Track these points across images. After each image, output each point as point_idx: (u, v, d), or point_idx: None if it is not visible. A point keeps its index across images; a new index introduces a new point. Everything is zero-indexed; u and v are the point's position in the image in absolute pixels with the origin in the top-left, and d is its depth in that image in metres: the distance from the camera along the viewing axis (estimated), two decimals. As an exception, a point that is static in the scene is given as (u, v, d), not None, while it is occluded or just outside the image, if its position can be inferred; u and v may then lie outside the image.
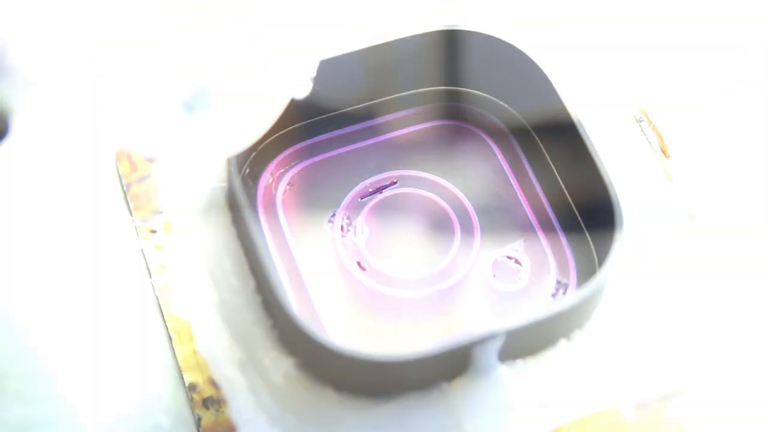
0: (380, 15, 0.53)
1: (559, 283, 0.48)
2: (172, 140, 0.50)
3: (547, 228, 0.49)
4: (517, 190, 0.50)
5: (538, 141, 0.51)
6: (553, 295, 0.48)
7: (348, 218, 0.50)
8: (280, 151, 0.51)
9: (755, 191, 0.59)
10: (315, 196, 0.50)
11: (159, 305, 0.56)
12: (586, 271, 0.48)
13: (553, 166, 0.51)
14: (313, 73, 0.44)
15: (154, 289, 0.56)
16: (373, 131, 0.52)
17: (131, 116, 0.60)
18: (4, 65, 0.36)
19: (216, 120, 0.49)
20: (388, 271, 0.48)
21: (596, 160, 0.47)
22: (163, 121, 0.50)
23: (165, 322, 0.55)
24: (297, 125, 0.51)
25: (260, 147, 0.50)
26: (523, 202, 0.50)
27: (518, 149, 0.51)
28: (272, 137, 0.51)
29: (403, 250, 0.49)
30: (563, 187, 0.50)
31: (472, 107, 0.52)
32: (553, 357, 0.45)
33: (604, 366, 0.45)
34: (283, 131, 0.51)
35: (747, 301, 0.47)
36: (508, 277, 0.48)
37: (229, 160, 0.46)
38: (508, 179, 0.51)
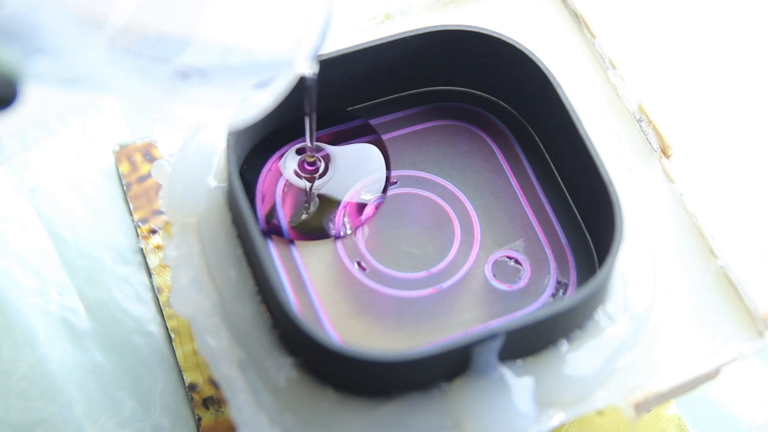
0: (380, 14, 0.53)
1: (559, 283, 0.48)
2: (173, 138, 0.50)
3: (547, 228, 0.49)
4: (517, 190, 0.50)
5: (538, 141, 0.51)
6: (553, 295, 0.48)
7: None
8: (278, 149, 0.51)
9: (755, 191, 0.59)
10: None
11: (159, 305, 0.56)
12: (586, 271, 0.48)
13: (553, 166, 0.51)
14: (316, 71, 0.44)
15: (154, 289, 0.56)
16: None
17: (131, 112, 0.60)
18: (13, 29, 0.35)
19: (215, 119, 0.49)
20: (388, 271, 0.48)
21: (596, 160, 0.47)
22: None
23: (165, 322, 0.55)
24: (295, 124, 0.51)
25: (257, 143, 0.50)
26: (523, 202, 0.50)
27: (518, 149, 0.51)
28: (269, 134, 0.51)
29: (403, 250, 0.49)
30: (563, 187, 0.50)
31: (472, 107, 0.52)
32: (553, 357, 0.45)
33: (605, 365, 0.45)
34: (282, 130, 0.51)
35: (747, 299, 0.47)
36: (508, 277, 0.48)
37: (228, 159, 0.46)
38: (508, 179, 0.51)
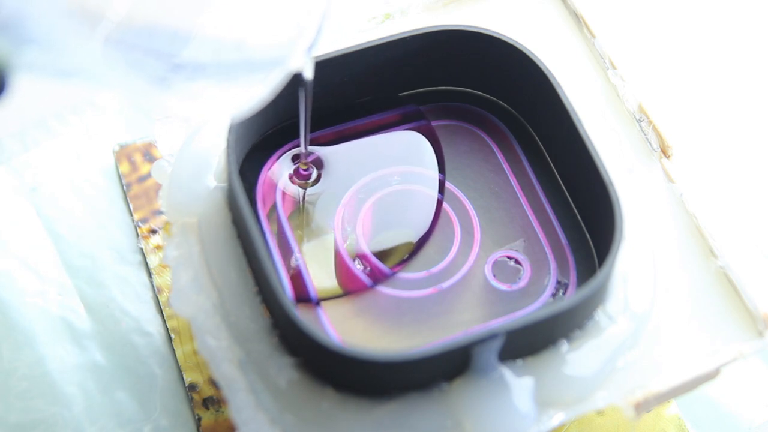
0: (380, 14, 0.53)
1: (559, 283, 0.48)
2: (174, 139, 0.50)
3: (547, 228, 0.49)
4: (517, 190, 0.50)
5: (538, 141, 0.51)
6: (553, 295, 0.48)
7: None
8: (278, 148, 0.51)
9: (755, 191, 0.59)
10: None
11: (159, 305, 0.56)
12: (586, 271, 0.48)
13: (553, 166, 0.51)
14: (312, 73, 0.44)
15: (154, 289, 0.56)
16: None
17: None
18: (3, 20, 0.35)
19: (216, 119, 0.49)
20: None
21: (596, 160, 0.47)
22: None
23: (165, 322, 0.55)
24: (296, 124, 0.51)
25: (257, 143, 0.50)
26: (523, 202, 0.50)
27: (518, 149, 0.51)
28: (269, 134, 0.51)
29: (403, 250, 0.49)
30: (563, 187, 0.50)
31: (472, 107, 0.52)
32: (553, 357, 0.45)
33: (605, 365, 0.45)
34: (282, 130, 0.51)
35: (747, 299, 0.47)
36: (508, 277, 0.48)
37: (228, 159, 0.46)
38: (508, 179, 0.51)
